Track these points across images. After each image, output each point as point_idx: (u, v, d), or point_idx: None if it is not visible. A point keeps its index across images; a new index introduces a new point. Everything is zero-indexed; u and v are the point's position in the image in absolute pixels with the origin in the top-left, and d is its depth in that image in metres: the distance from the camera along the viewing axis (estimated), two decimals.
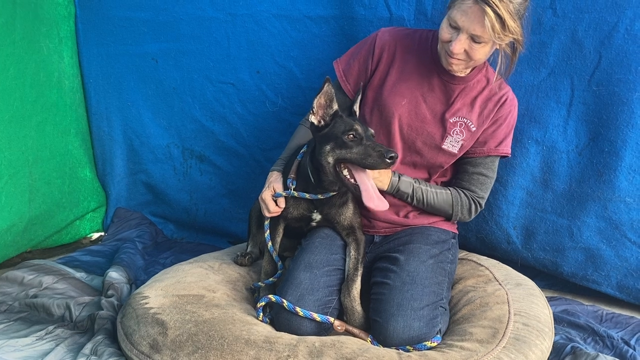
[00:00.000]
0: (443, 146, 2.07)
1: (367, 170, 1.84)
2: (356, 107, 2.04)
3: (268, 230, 2.13)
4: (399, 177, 2.06)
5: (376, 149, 1.78)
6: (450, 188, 2.14)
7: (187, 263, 2.32)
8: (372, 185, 1.84)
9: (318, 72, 2.66)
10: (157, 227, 3.22)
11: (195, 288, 2.05)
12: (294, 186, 2.03)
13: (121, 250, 2.78)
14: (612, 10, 2.13)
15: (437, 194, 2.10)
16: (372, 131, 1.93)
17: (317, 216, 2.09)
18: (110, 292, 2.29)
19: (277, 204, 2.05)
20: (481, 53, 1.86)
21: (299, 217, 2.09)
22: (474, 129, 2.05)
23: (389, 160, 1.75)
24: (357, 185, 1.84)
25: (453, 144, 2.07)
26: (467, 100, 2.05)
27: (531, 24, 2.09)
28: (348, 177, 1.86)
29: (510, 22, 1.72)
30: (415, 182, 2.08)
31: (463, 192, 2.14)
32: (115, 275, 2.43)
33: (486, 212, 2.52)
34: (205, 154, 3.05)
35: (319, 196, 1.99)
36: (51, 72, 2.87)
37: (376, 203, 1.81)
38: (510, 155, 2.16)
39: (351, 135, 1.84)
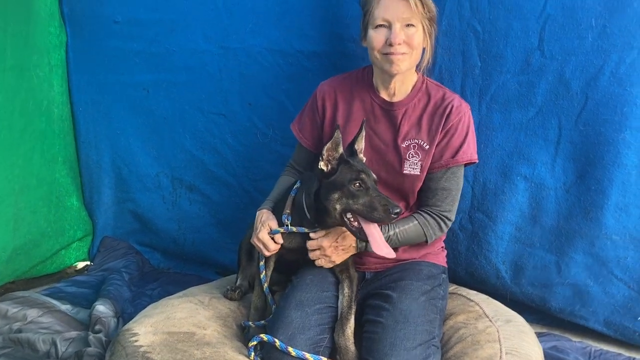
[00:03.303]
0: (404, 171, 2.10)
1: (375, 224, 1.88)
2: (357, 145, 2.04)
3: (264, 271, 2.12)
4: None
5: (382, 203, 1.82)
6: (415, 216, 2.13)
7: (176, 297, 2.30)
8: (378, 232, 1.88)
9: None
10: (143, 257, 3.21)
11: (186, 325, 2.03)
12: (289, 221, 2.04)
13: (108, 281, 2.75)
14: (598, 54, 2.19)
15: (407, 231, 2.09)
16: (375, 177, 1.95)
17: None
18: (97, 327, 2.27)
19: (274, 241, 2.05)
20: (417, 37, 1.97)
21: (295, 249, 2.09)
22: (427, 147, 2.08)
23: (394, 216, 1.80)
24: (361, 229, 1.87)
25: (413, 167, 2.10)
26: (413, 121, 2.10)
27: (512, 62, 2.32)
28: (352, 219, 1.89)
29: (427, 1, 1.95)
30: (385, 234, 2.07)
31: (427, 213, 2.13)
32: (102, 308, 2.41)
33: (475, 246, 2.55)
34: (195, 184, 3.05)
35: (317, 229, 2.01)
36: (40, 100, 2.88)
37: (385, 251, 1.85)
38: (477, 161, 2.15)
39: (357, 184, 1.87)
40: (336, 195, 1.89)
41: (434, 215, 2.13)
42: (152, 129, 3.03)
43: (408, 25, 1.94)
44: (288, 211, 2.06)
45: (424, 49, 2.05)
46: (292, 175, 2.33)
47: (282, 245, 2.07)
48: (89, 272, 3.05)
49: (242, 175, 2.95)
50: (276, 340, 1.83)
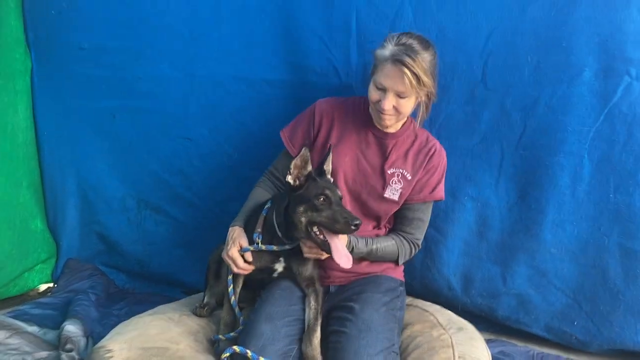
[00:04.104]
0: (385, 195, 2.27)
1: (338, 236, 2.03)
2: (326, 166, 2.20)
3: (231, 285, 2.21)
4: (353, 249, 2.19)
5: (343, 215, 1.96)
6: (393, 236, 2.34)
7: (146, 315, 2.34)
8: (340, 243, 2.03)
9: (274, 129, 2.73)
10: (108, 278, 3.21)
11: (159, 340, 2.09)
12: (260, 239, 2.15)
13: (75, 302, 2.77)
14: (535, 86, 2.44)
15: (385, 248, 2.29)
16: (340, 194, 2.10)
17: (279, 267, 2.22)
18: (68, 346, 2.30)
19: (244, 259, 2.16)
20: (407, 106, 2.14)
21: (262, 269, 2.20)
22: (410, 177, 2.28)
23: (353, 227, 1.94)
24: (326, 241, 2.01)
25: (393, 193, 2.28)
26: (401, 153, 2.30)
27: (458, 94, 2.52)
28: (317, 233, 2.03)
29: (424, 78, 2.04)
30: (367, 247, 2.24)
31: (404, 237, 2.35)
32: (72, 328, 2.44)
33: (429, 260, 2.72)
34: (161, 206, 3.11)
35: (287, 246, 2.13)
36: (5, 125, 2.90)
37: (344, 260, 2.00)
38: (444, 199, 2.39)
39: (322, 199, 2.01)
40: (302, 209, 2.04)
41: (409, 241, 2.35)
42: (118, 153, 3.07)
43: (401, 96, 2.09)
44: (259, 230, 2.18)
45: (421, 103, 2.21)
46: (267, 186, 2.42)
47: (250, 264, 2.17)
48: (53, 294, 3.05)
49: (208, 197, 3.02)
50: (248, 351, 1.92)
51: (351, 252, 2.18)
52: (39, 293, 3.21)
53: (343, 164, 2.28)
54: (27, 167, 3.05)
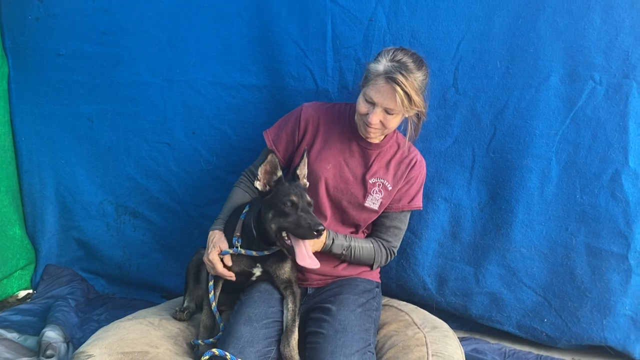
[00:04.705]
0: (365, 204, 2.33)
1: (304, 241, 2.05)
2: (299, 171, 2.23)
3: (212, 291, 2.24)
4: (333, 241, 2.27)
5: (307, 221, 2.00)
6: (372, 240, 2.40)
7: (126, 320, 2.36)
8: (305, 246, 2.05)
9: (251, 134, 2.85)
10: (88, 283, 3.22)
11: (139, 345, 2.12)
12: (239, 244, 2.19)
13: (54, 308, 2.77)
14: (503, 91, 2.52)
15: (363, 249, 2.35)
16: (310, 199, 2.13)
17: (257, 271, 2.25)
18: (49, 352, 2.31)
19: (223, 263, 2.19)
20: (394, 122, 2.19)
21: (240, 272, 2.23)
22: (390, 188, 2.34)
23: (315, 233, 1.97)
24: (291, 246, 2.05)
25: (373, 202, 2.34)
26: (383, 163, 2.35)
27: (431, 98, 2.49)
28: (286, 238, 2.07)
29: (415, 97, 2.07)
30: (345, 241, 2.30)
31: (381, 244, 2.41)
32: (52, 334, 2.45)
33: (404, 261, 2.79)
34: (139, 211, 3.12)
35: (265, 252, 2.16)
36: None
37: (308, 262, 2.02)
38: (422, 208, 2.46)
39: (288, 204, 2.05)
40: (270, 215, 2.08)
41: (386, 248, 2.41)
42: (96, 158, 3.08)
43: (389, 112, 2.13)
44: (238, 234, 2.21)
45: (409, 120, 2.25)
46: (246, 187, 2.44)
47: (229, 268, 2.21)
48: (32, 300, 3.04)
49: (187, 202, 3.04)
50: (227, 353, 1.96)
51: (331, 244, 2.24)
52: (18, 299, 3.20)
53: (325, 171, 2.32)
54: (5, 173, 3.04)
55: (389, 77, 2.05)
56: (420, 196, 2.43)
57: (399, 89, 2.03)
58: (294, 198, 2.06)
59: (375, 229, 2.45)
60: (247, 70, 2.82)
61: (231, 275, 2.21)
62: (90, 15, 2.91)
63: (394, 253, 2.44)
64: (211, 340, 2.21)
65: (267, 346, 2.08)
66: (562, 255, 2.60)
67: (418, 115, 2.24)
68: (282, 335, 2.15)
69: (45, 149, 3.11)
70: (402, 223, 2.43)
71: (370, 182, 2.33)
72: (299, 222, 2.01)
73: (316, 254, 2.24)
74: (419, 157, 2.41)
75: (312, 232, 1.97)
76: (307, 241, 2.06)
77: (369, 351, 2.10)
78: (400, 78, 2.03)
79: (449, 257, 2.76)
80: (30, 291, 3.23)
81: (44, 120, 3.08)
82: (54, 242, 3.23)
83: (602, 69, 2.42)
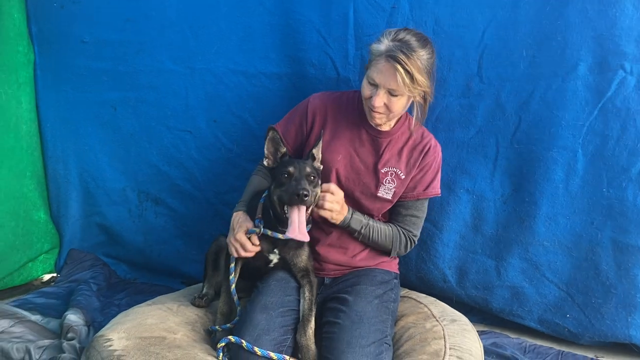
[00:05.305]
0: (378, 194, 2.30)
1: (300, 205, 2.01)
2: (315, 151, 2.22)
3: (233, 272, 2.22)
4: (352, 215, 2.24)
5: (296, 186, 1.98)
6: (391, 225, 2.37)
7: (145, 305, 2.39)
8: (299, 219, 2.00)
9: (271, 122, 2.80)
10: (110, 268, 3.27)
11: (157, 330, 2.14)
12: (262, 225, 2.17)
13: (77, 292, 2.83)
14: (529, 80, 2.46)
15: (381, 230, 2.31)
16: (310, 171, 2.08)
17: (275, 257, 2.25)
18: (70, 334, 2.35)
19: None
20: (399, 105, 2.12)
21: (257, 258, 2.22)
22: (403, 176, 2.29)
23: (296, 197, 1.95)
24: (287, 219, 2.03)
25: (386, 192, 2.30)
26: (395, 151, 2.30)
27: (454, 87, 2.52)
28: (285, 211, 2.05)
29: (418, 76, 2.00)
30: (364, 219, 2.28)
31: (401, 230, 2.36)
32: (73, 317, 2.49)
33: (424, 253, 2.76)
34: (161, 197, 3.15)
35: (289, 236, 2.10)
36: (9, 117, 2.94)
37: (296, 234, 1.99)
38: (440, 195, 2.40)
39: (285, 176, 2.06)
40: (272, 187, 2.10)
41: (405, 235, 2.36)
42: (119, 145, 3.12)
43: (393, 94, 2.07)
44: (260, 216, 2.22)
45: (415, 103, 2.17)
46: (263, 174, 2.43)
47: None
48: (56, 284, 3.11)
49: (207, 189, 3.07)
50: (243, 341, 1.97)
51: (350, 218, 2.23)
52: (43, 282, 3.27)
53: (336, 162, 2.28)
54: (30, 158, 3.10)
55: (390, 56, 1.99)
56: (437, 183, 2.37)
57: (399, 67, 1.97)
58: (291, 169, 2.06)
59: (392, 217, 2.41)
60: (268, 58, 2.81)
61: (257, 250, 2.16)
62: (114, 2, 2.95)
63: (414, 241, 2.39)
64: (228, 325, 2.22)
65: (283, 334, 2.08)
66: (586, 250, 2.54)
67: (424, 96, 2.16)
68: (298, 324, 2.15)
69: (69, 135, 3.17)
70: (419, 211, 2.38)
71: (382, 171, 2.28)
72: (287, 189, 2.02)
73: (337, 234, 2.30)
74: (433, 141, 2.34)
75: (293, 196, 1.96)
76: (302, 214, 2.02)
77: (386, 343, 2.08)
78: (401, 56, 1.97)
79: (470, 250, 2.72)
80: (55, 275, 3.29)
81: (68, 106, 3.13)
82: (77, 227, 3.29)
83: (633, 58, 2.33)
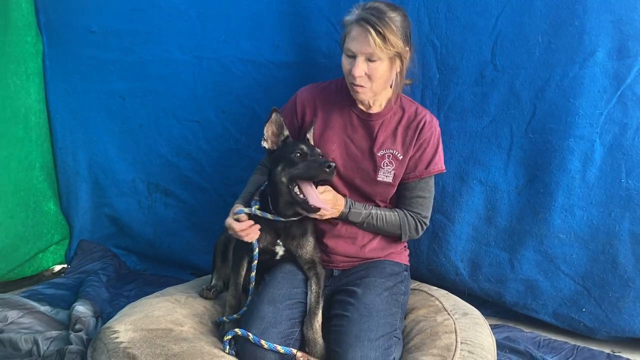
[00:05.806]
0: (378, 178, 2.25)
1: (312, 184, 2.04)
2: (309, 135, 2.24)
3: (257, 259, 2.19)
4: (350, 209, 2.22)
5: (317, 162, 2.01)
6: (397, 210, 2.31)
7: (153, 297, 2.39)
8: (316, 193, 2.04)
9: None
10: (120, 259, 3.28)
11: (164, 322, 2.13)
12: (257, 206, 2.16)
13: (86, 283, 2.83)
14: (545, 67, 2.37)
15: (386, 217, 2.27)
16: (319, 151, 2.14)
17: (280, 250, 2.23)
18: (78, 326, 2.35)
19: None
20: (380, 72, 2.06)
21: (263, 250, 2.21)
22: (401, 157, 2.24)
23: (327, 169, 1.97)
24: (306, 198, 2.03)
25: (386, 175, 2.25)
26: (389, 132, 2.25)
27: (467, 75, 2.47)
28: (297, 192, 2.05)
29: (390, 36, 1.98)
30: (365, 210, 2.24)
31: (408, 213, 2.30)
32: (82, 309, 2.49)
33: (436, 245, 2.71)
34: (170, 189, 3.15)
35: (281, 218, 2.13)
36: (18, 108, 2.94)
37: (317, 202, 2.00)
38: (444, 171, 2.32)
39: (298, 154, 2.06)
40: (279, 168, 2.08)
41: (414, 216, 2.30)
42: (127, 136, 3.12)
43: (371, 59, 2.03)
44: (257, 198, 2.22)
45: (397, 74, 2.13)
46: (262, 172, 2.41)
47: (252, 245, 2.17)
48: (66, 275, 3.12)
49: (216, 180, 3.05)
50: (249, 333, 1.94)
51: (347, 212, 2.21)
52: (54, 273, 3.29)
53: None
54: (40, 150, 3.11)
55: (360, 19, 1.99)
56: (438, 158, 2.29)
57: (370, 28, 1.96)
58: (304, 147, 2.08)
59: (400, 202, 2.35)
60: (277, 47, 2.77)
61: (247, 226, 2.13)
62: None
63: (424, 223, 2.33)
64: (235, 316, 2.20)
65: (290, 327, 2.05)
66: (603, 243, 2.45)
67: (401, 59, 2.10)
68: (305, 317, 2.12)
69: (78, 126, 3.17)
70: (425, 191, 2.30)
71: (379, 154, 2.24)
72: (309, 164, 2.03)
73: (343, 224, 2.27)
74: (428, 116, 2.27)
75: (323, 169, 1.97)
76: (314, 188, 2.04)
77: (395, 336, 2.05)
78: (371, 18, 1.97)
79: (483, 242, 2.66)
80: (65, 265, 3.30)
81: (77, 97, 3.13)
82: (87, 219, 3.29)
83: None
